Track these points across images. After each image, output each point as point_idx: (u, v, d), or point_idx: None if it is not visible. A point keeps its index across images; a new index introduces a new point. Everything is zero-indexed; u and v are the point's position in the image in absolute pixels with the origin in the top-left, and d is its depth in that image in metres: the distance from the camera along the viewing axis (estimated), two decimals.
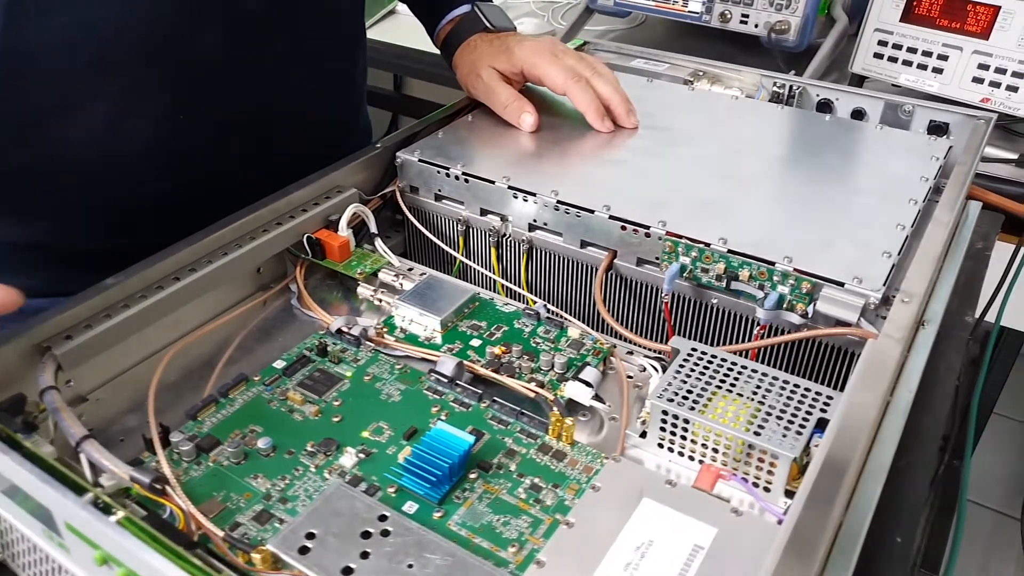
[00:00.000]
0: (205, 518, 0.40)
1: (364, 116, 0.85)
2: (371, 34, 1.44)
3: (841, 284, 0.51)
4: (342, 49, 0.76)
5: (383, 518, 0.40)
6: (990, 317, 0.92)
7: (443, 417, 0.48)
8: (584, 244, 0.61)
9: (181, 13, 0.60)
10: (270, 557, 0.38)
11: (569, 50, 0.73)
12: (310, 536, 0.39)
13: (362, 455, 0.46)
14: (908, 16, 0.98)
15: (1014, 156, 0.94)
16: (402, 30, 1.44)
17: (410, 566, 0.38)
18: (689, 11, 1.20)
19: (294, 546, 0.39)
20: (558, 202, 0.61)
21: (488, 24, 0.76)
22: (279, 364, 0.52)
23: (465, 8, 0.78)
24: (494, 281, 0.66)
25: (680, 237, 0.56)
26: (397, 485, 0.43)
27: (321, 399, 0.50)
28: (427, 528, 0.40)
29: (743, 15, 1.16)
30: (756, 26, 1.15)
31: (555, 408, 0.47)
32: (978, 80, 0.93)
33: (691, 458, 0.46)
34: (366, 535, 0.39)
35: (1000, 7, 0.90)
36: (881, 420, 0.48)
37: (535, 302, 0.59)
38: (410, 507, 0.42)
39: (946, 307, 0.61)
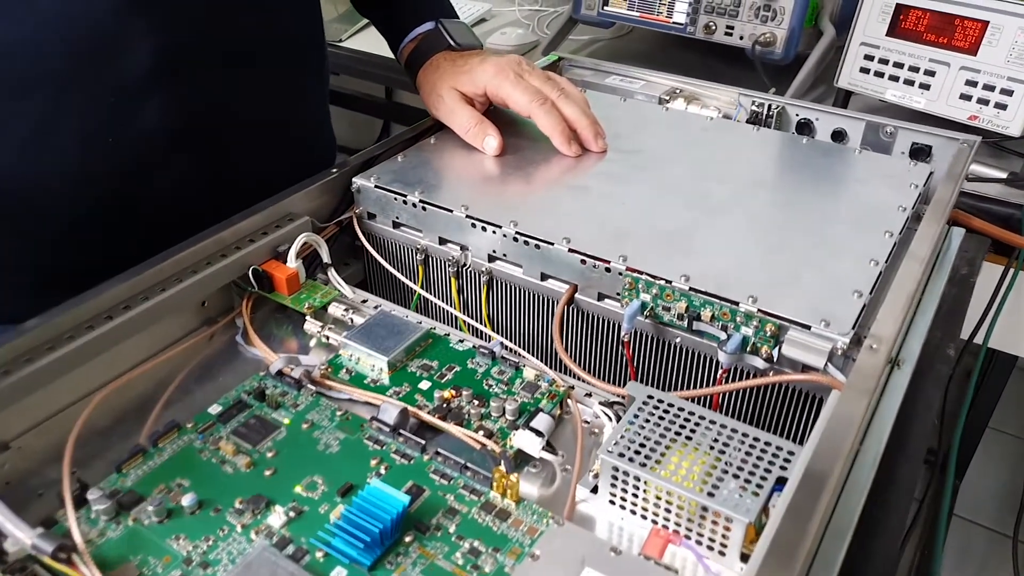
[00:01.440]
0: None
1: (326, 133, 0.82)
2: (358, 44, 1.42)
3: (808, 327, 0.48)
4: (289, 66, 0.73)
5: None
6: (979, 339, 0.89)
7: (382, 471, 0.46)
8: (544, 276, 0.59)
9: (103, 33, 0.57)
10: None
11: (535, 69, 0.71)
12: None
13: (292, 513, 0.43)
14: (895, 30, 0.95)
15: (1003, 175, 0.91)
16: None
17: None
18: (674, 23, 1.17)
19: None
20: (517, 233, 0.58)
21: (452, 42, 0.73)
22: (214, 409, 0.49)
23: (429, 26, 0.75)
24: (454, 316, 0.63)
25: (641, 273, 0.53)
26: (325, 550, 0.40)
27: (255, 449, 0.47)
28: None
29: (728, 27, 1.13)
30: (741, 38, 1.12)
31: (501, 463, 0.44)
32: (966, 97, 0.90)
33: (643, 516, 0.43)
34: None
35: (988, 22, 0.87)
36: (848, 474, 0.46)
37: (492, 338, 0.56)
38: (338, 573, 0.40)
39: (925, 342, 0.59)
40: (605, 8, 1.23)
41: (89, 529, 0.42)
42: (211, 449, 0.47)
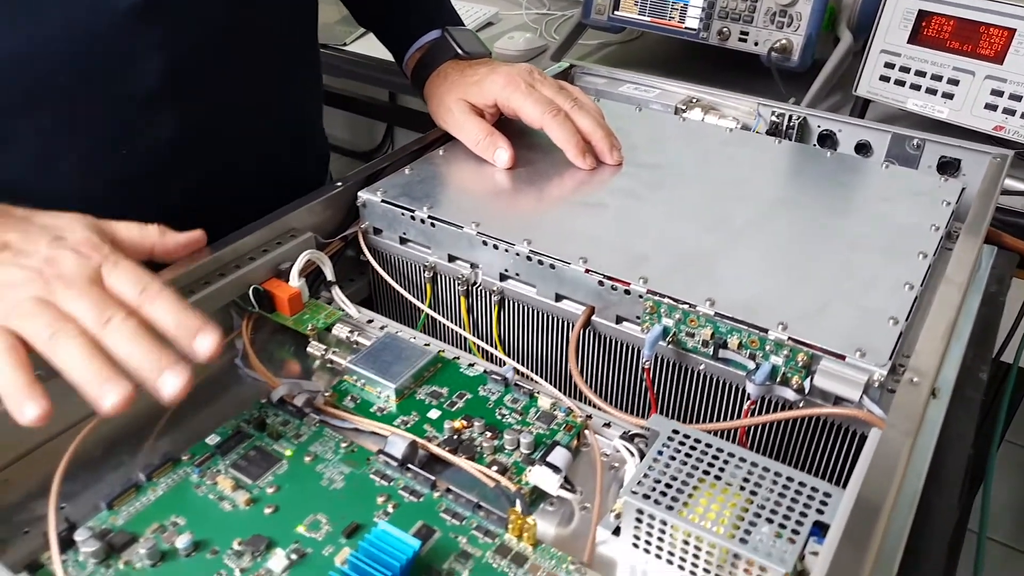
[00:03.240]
0: None
1: (320, 142, 0.80)
2: (361, 48, 1.40)
3: (842, 357, 0.45)
4: (291, 76, 0.71)
5: None
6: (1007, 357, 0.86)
7: (390, 509, 0.43)
8: (559, 297, 0.56)
9: (110, 47, 0.55)
10: None
11: (547, 79, 0.68)
12: None
13: (294, 556, 0.40)
14: (917, 38, 0.92)
15: None
16: None
17: None
18: (686, 28, 1.15)
19: None
20: (531, 251, 0.55)
21: (459, 50, 0.70)
22: (212, 440, 0.47)
23: (435, 34, 0.72)
24: (463, 337, 0.60)
25: (663, 296, 0.50)
26: None
27: (255, 484, 0.44)
28: None
29: (742, 32, 1.11)
30: (756, 44, 1.09)
31: (517, 504, 0.42)
32: (991, 107, 0.88)
33: (669, 562, 0.40)
34: None
35: (1015, 30, 0.85)
36: (889, 519, 0.43)
37: (505, 363, 0.53)
38: None
39: (959, 367, 0.56)
40: (615, 12, 1.21)
41: (77, 573, 0.39)
42: (208, 484, 0.44)
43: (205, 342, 0.41)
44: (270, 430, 0.47)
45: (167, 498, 0.43)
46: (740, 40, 1.11)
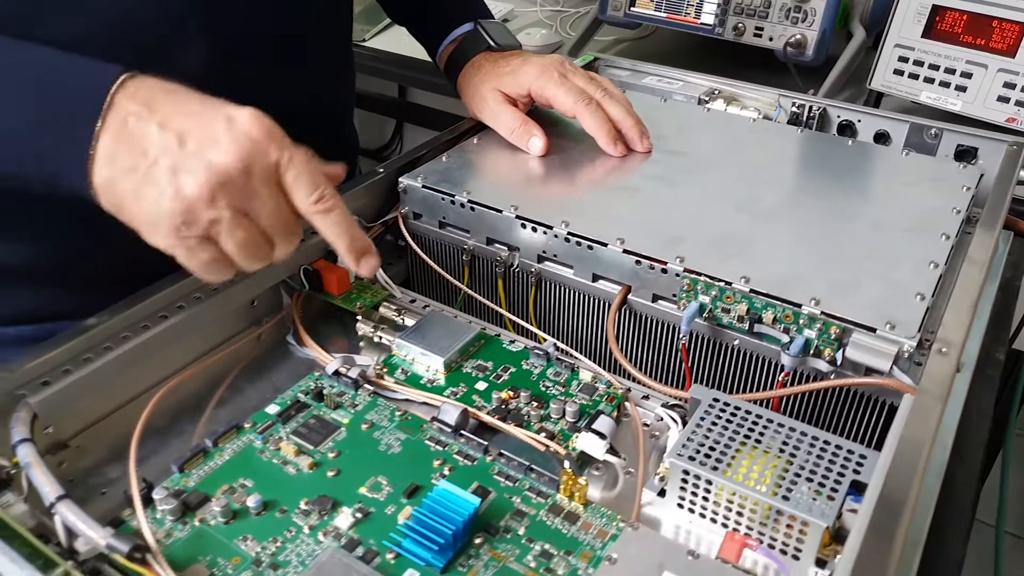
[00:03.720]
0: None
1: (352, 133, 0.82)
2: (374, 43, 1.42)
3: (873, 330, 0.48)
4: (329, 62, 0.73)
5: None
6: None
7: (446, 472, 0.45)
8: (596, 277, 0.58)
9: (158, 33, 0.57)
10: None
11: (578, 69, 0.70)
12: None
13: (359, 515, 0.42)
14: (931, 32, 0.95)
15: None
16: (405, 40, 1.41)
17: None
18: (701, 23, 1.17)
19: None
20: (569, 233, 0.58)
21: (492, 42, 0.73)
22: (272, 409, 0.49)
23: (467, 27, 0.74)
24: (500, 315, 0.63)
25: (699, 274, 0.53)
26: (397, 551, 0.40)
27: (316, 449, 0.46)
28: None
29: (757, 28, 1.13)
30: (771, 39, 1.12)
31: (567, 465, 0.44)
32: (1004, 99, 0.90)
33: (713, 520, 0.43)
34: None
35: None
36: (922, 480, 0.45)
37: (544, 339, 0.55)
38: (410, 575, 0.39)
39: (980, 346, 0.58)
40: (632, 9, 1.23)
41: (156, 529, 0.41)
42: (272, 450, 0.46)
43: (372, 262, 0.49)
44: (327, 400, 0.50)
45: (234, 462, 0.46)
46: (755, 35, 1.13)
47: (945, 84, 0.94)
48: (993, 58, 0.90)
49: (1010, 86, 0.89)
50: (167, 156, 0.42)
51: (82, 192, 0.44)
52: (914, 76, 0.97)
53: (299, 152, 0.45)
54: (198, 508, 0.42)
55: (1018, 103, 0.89)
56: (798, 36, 1.09)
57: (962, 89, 0.93)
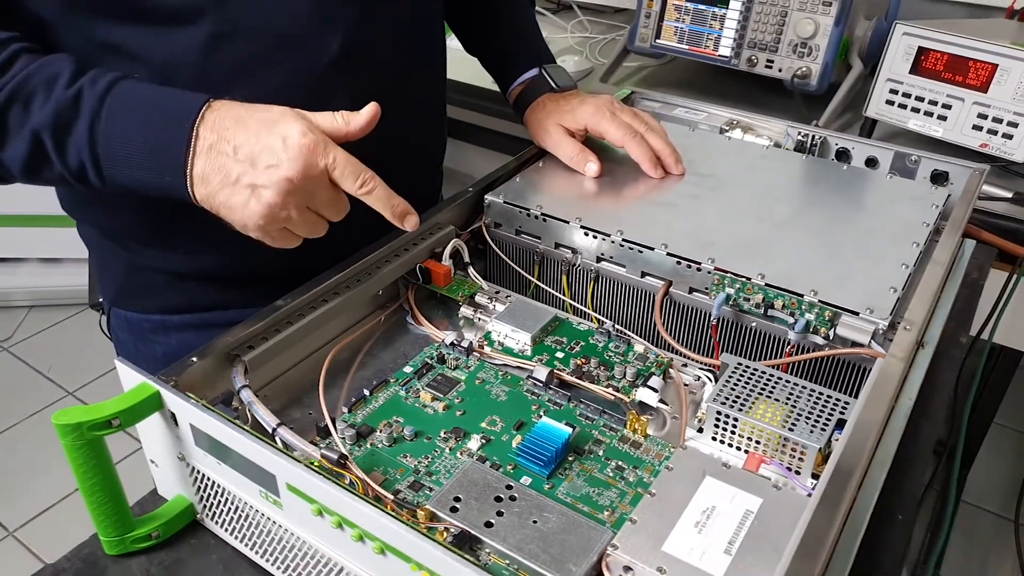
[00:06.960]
0: (377, 485, 0.54)
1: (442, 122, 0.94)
2: None
3: (856, 313, 0.64)
4: (431, 49, 0.84)
5: (509, 487, 0.53)
6: (985, 336, 1.04)
7: (542, 414, 0.62)
8: (643, 274, 0.75)
9: (298, 27, 0.67)
10: (429, 514, 0.52)
11: (625, 107, 0.87)
12: (456, 499, 0.52)
13: (484, 440, 0.59)
14: (917, 69, 1.11)
15: (1009, 194, 1.07)
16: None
17: (534, 522, 0.51)
18: (719, 55, 1.33)
19: (446, 507, 0.52)
20: (623, 240, 0.74)
21: (554, 84, 0.90)
22: (408, 369, 0.66)
23: (533, 72, 0.91)
24: (563, 302, 0.79)
25: (726, 272, 0.69)
26: (515, 464, 0.57)
27: (445, 397, 0.63)
28: (543, 495, 0.53)
29: (768, 60, 1.29)
30: (780, 71, 1.28)
31: (631, 408, 0.61)
32: (977, 128, 1.06)
33: (738, 448, 0.59)
34: (498, 499, 0.53)
35: (998, 65, 1.03)
36: (887, 422, 0.61)
37: (602, 323, 0.72)
38: (526, 480, 0.56)
39: (943, 330, 0.75)
40: (657, 41, 1.40)
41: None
42: (413, 397, 0.63)
43: (412, 219, 0.63)
44: (448, 363, 0.66)
45: (386, 406, 0.62)
46: (766, 67, 1.29)
47: (929, 114, 1.11)
48: (969, 93, 1.07)
49: (983, 116, 1.06)
50: (246, 176, 0.58)
51: (193, 203, 0.60)
52: (903, 106, 1.13)
53: (340, 152, 0.59)
54: (368, 435, 0.59)
55: (989, 131, 1.05)
56: (804, 68, 1.26)
57: (943, 119, 1.10)
